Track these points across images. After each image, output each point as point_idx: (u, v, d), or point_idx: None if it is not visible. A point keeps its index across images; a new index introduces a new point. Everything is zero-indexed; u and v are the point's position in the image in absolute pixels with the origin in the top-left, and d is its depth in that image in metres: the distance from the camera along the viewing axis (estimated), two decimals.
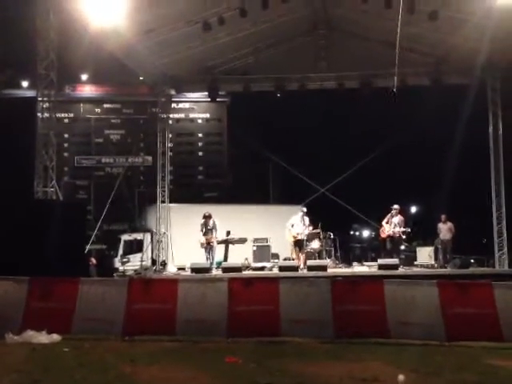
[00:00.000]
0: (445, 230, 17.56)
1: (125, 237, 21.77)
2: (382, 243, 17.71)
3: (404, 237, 17.31)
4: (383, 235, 17.39)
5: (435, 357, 7.95)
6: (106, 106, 31.88)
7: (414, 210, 31.05)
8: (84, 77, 31.79)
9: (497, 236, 17.55)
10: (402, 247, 18.07)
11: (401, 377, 6.48)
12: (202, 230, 16.61)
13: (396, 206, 17.22)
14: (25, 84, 31.29)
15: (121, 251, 20.91)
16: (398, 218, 17.05)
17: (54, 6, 13.81)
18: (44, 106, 14.52)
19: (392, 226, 17.04)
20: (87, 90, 32.10)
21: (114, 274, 16.45)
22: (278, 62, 18.11)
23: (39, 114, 14.61)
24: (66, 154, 30.18)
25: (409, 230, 17.08)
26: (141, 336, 9.26)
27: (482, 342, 8.74)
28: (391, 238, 17.08)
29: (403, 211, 17.62)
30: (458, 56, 16.99)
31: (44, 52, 14.22)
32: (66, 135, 30.86)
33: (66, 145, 30.67)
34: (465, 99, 18.14)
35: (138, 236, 21.00)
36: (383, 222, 17.39)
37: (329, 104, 24.59)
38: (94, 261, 17.98)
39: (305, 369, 7.14)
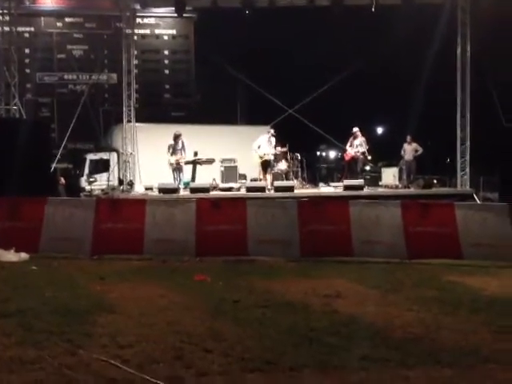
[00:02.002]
0: (409, 150, 17.79)
1: (90, 156, 21.49)
2: (346, 165, 17.90)
3: (369, 157, 17.47)
4: (347, 157, 17.60)
5: (396, 274, 8.24)
6: (67, 19, 30.53)
7: (380, 131, 31.27)
8: None
9: (460, 156, 17.87)
10: (367, 168, 18.31)
11: None
12: (169, 151, 16.48)
13: (356, 129, 17.26)
14: None
15: (87, 170, 20.68)
16: (359, 140, 17.14)
17: None
18: (3, 19, 13.94)
19: (354, 147, 17.17)
20: (48, 3, 30.65)
21: (81, 194, 16.39)
22: None
23: None
24: (27, 71, 29.11)
25: (367, 147, 17.06)
26: (109, 255, 9.35)
27: (442, 260, 9.10)
28: (354, 159, 17.25)
29: (365, 132, 17.65)
30: None
31: None
32: (27, 50, 29.67)
33: (27, 61, 29.51)
34: (435, 20, 17.94)
35: (104, 155, 20.75)
36: (347, 146, 17.52)
37: (298, 22, 24.01)
38: (62, 180, 17.81)
39: (271, 286, 7.34)
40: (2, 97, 14.12)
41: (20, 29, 24.11)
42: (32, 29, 30.14)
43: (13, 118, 13.72)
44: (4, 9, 14.04)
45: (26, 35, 29.75)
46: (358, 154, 17.04)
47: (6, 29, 14.13)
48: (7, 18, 14.06)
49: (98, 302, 6.28)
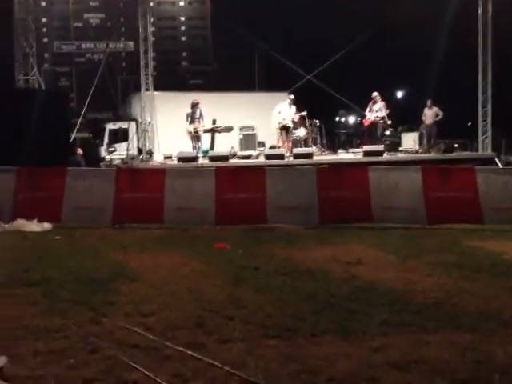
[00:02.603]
0: (430, 114, 17.52)
1: (109, 125, 21.54)
2: (366, 131, 17.70)
3: (389, 122, 17.26)
4: (366, 123, 17.38)
5: (416, 239, 8.23)
6: None
7: (399, 95, 30.84)
8: None
9: (481, 120, 17.58)
10: (387, 133, 18.11)
11: None
12: (188, 119, 16.43)
13: (375, 93, 16.98)
14: None
15: (106, 140, 20.76)
16: (379, 105, 16.89)
17: None
18: None
19: (374, 112, 16.95)
20: None
21: (101, 164, 16.49)
22: None
23: None
24: (45, 40, 29.21)
25: (387, 111, 16.84)
26: (130, 224, 9.45)
27: (462, 225, 9.04)
28: (374, 124, 17.04)
29: (384, 97, 17.40)
30: None
31: None
32: (44, 19, 29.69)
33: (44, 30, 29.58)
34: None
35: (123, 125, 20.77)
36: (366, 111, 17.29)
37: None
38: (80, 151, 17.91)
39: (291, 253, 7.37)
40: (21, 67, 14.10)
41: None
42: None
43: (31, 89, 13.76)
44: None
45: (43, 4, 29.75)
46: (378, 119, 16.82)
47: None
48: None
49: (121, 271, 6.36)
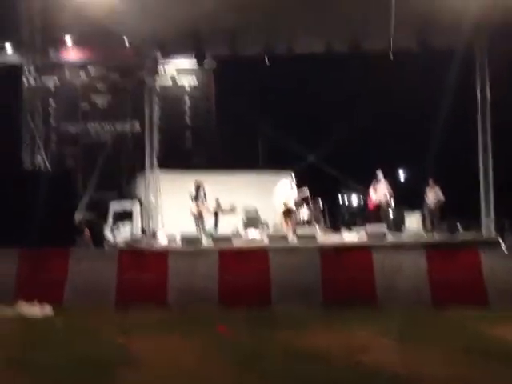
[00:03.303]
0: (432, 194, 17.65)
1: (114, 206, 21.66)
2: (369, 210, 17.80)
3: (392, 202, 17.39)
4: (370, 202, 17.49)
5: (421, 323, 8.10)
6: (91, 71, 31.33)
7: (401, 174, 31.14)
8: (69, 41, 31.13)
9: (484, 199, 17.67)
10: (390, 213, 18.17)
11: None
12: (192, 199, 16.59)
13: (380, 173, 17.23)
14: (8, 47, 30.69)
15: (110, 220, 20.84)
16: (383, 184, 17.10)
17: None
18: (29, 69, 14.26)
19: (378, 192, 17.11)
20: (72, 55, 31.49)
21: (105, 245, 16.47)
22: (266, 25, 17.80)
23: (24, 80, 14.37)
24: (52, 121, 29.77)
25: (392, 193, 17.03)
26: (133, 306, 9.35)
27: (468, 308, 8.90)
28: (378, 204, 17.17)
29: (390, 176, 17.63)
30: (446, 18, 16.75)
31: (28, 15, 13.93)
32: (52, 101, 30.40)
33: (51, 111, 30.23)
34: (452, 62, 18.03)
35: (128, 205, 20.89)
36: (370, 191, 17.45)
37: (317, 69, 24.38)
38: (87, 232, 17.93)
39: (294, 337, 7.26)
40: (28, 148, 14.35)
41: (45, 79, 24.75)
42: (56, 80, 30.89)
43: (37, 170, 13.96)
44: (29, 60, 14.34)
45: (51, 86, 30.47)
46: (382, 198, 16.98)
47: (31, 80, 14.39)
48: (32, 69, 14.34)
49: (122, 355, 6.28)
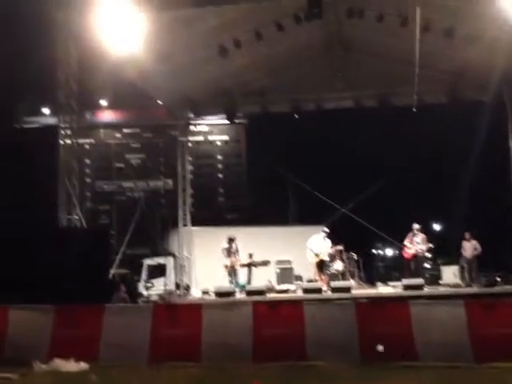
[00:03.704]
0: (469, 247, 17.35)
1: (148, 261, 21.82)
2: (406, 263, 17.55)
3: (429, 255, 17.20)
4: (406, 255, 17.26)
5: (463, 380, 7.83)
6: (125, 130, 32.26)
7: (436, 227, 30.78)
8: (103, 103, 32.13)
9: None
10: (427, 266, 17.89)
11: None
12: (225, 253, 16.63)
13: (416, 225, 17.13)
14: (46, 111, 31.76)
15: (144, 276, 20.94)
16: (419, 237, 16.94)
17: (74, 36, 14.02)
18: (65, 132, 14.66)
19: (414, 244, 16.94)
20: (107, 116, 32.47)
21: (139, 300, 16.48)
22: (295, 83, 18.17)
23: (61, 141, 14.76)
24: (87, 180, 30.51)
25: (431, 245, 16.93)
26: (167, 362, 9.26)
27: (510, 363, 8.59)
28: (415, 257, 16.97)
29: (425, 229, 17.47)
30: (475, 72, 16.91)
31: (64, 80, 14.41)
32: (87, 161, 31.23)
33: (87, 170, 31.03)
34: (483, 114, 18.05)
35: (161, 260, 21.01)
36: (405, 242, 17.27)
37: (346, 123, 24.60)
38: (123, 288, 18.01)
39: None
40: (64, 206, 14.58)
41: (81, 141, 25.49)
42: (92, 140, 31.80)
43: (73, 227, 14.14)
44: (66, 123, 14.75)
45: (87, 146, 31.36)
46: (420, 251, 16.81)
47: (68, 141, 14.75)
48: (69, 131, 14.73)
49: None
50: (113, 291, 14.19)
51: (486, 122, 18.25)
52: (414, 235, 17.02)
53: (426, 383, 7.57)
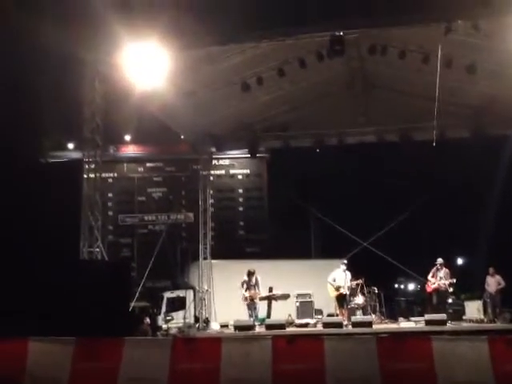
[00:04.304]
0: (493, 282, 17.15)
1: (167, 294, 21.84)
2: (428, 297, 17.37)
3: (451, 289, 17.01)
4: (429, 289, 17.12)
5: None
6: (148, 164, 32.59)
7: (459, 262, 30.39)
8: (127, 137, 32.63)
9: None
10: (450, 301, 17.68)
11: None
12: (243, 286, 16.59)
13: (440, 260, 17.07)
14: (71, 146, 32.31)
15: (164, 309, 20.93)
16: (443, 271, 16.85)
17: (101, 73, 14.36)
18: (89, 166, 14.89)
19: (438, 279, 16.80)
20: (130, 150, 32.93)
21: (158, 333, 16.47)
22: (317, 118, 18.34)
23: (85, 175, 14.98)
24: (110, 213, 30.77)
25: (454, 280, 16.76)
26: None
27: None
28: (437, 291, 16.80)
29: (448, 264, 17.33)
30: (498, 107, 16.94)
31: (90, 116, 14.70)
32: (110, 194, 31.56)
33: (109, 204, 31.32)
34: (506, 149, 17.98)
35: (181, 293, 21.04)
36: (429, 277, 17.13)
37: (368, 157, 24.63)
38: (148, 320, 18.03)
39: None
40: (86, 239, 14.72)
41: (104, 175, 25.84)
42: (115, 174, 32.19)
43: (95, 260, 14.26)
44: (90, 157, 14.98)
45: (110, 180, 31.75)
46: (443, 286, 16.66)
47: (91, 175, 14.95)
48: (93, 165, 14.94)
49: None
50: (134, 324, 14.22)
51: (509, 156, 18.15)
52: (438, 270, 16.93)
53: None
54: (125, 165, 32.87)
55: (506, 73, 14.60)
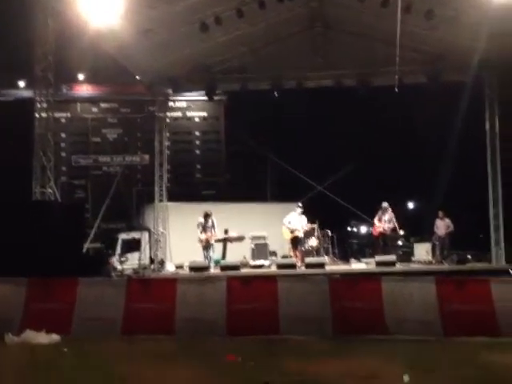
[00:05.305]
0: (442, 225, 17.64)
1: (123, 235, 21.73)
2: (375, 240, 17.83)
3: (401, 232, 17.47)
4: (375, 232, 17.58)
5: (432, 353, 8.00)
6: (103, 105, 31.70)
7: (411, 205, 31.11)
8: (81, 76, 31.63)
9: (493, 231, 17.59)
10: (400, 243, 18.17)
11: (406, 377, 6.50)
12: (200, 229, 16.64)
13: (385, 204, 17.35)
14: (22, 84, 31.18)
15: (119, 250, 20.87)
16: (388, 215, 17.16)
17: (52, 10, 13.77)
18: (41, 106, 14.46)
19: (383, 222, 17.17)
20: (84, 90, 31.95)
21: (113, 274, 16.47)
22: (276, 61, 18.11)
23: (36, 115, 14.56)
24: (63, 154, 30.05)
25: (396, 225, 17.08)
26: (140, 335, 9.29)
27: (479, 337, 8.77)
28: (383, 234, 17.22)
29: (399, 208, 17.66)
30: (456, 54, 17.01)
31: (42, 54, 14.16)
32: (63, 135, 30.71)
33: (62, 144, 30.52)
34: (462, 96, 18.18)
35: (136, 235, 20.97)
36: (375, 220, 17.53)
37: (326, 102, 24.60)
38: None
39: (304, 367, 7.17)
40: (38, 180, 14.43)
41: (57, 114, 25.10)
42: (68, 114, 31.30)
43: (47, 201, 14.02)
44: (42, 96, 14.54)
45: (63, 120, 30.86)
46: (388, 229, 17.02)
47: (43, 115, 14.55)
48: (45, 104, 14.52)
49: None
50: (93, 265, 14.17)
51: (465, 104, 18.39)
52: (383, 213, 17.24)
53: (397, 356, 7.69)
54: (78, 105, 31.89)
55: (462, 19, 14.63)
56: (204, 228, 16.59)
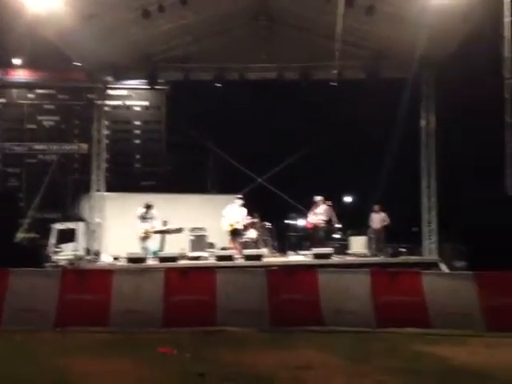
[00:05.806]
0: (377, 219, 18.02)
1: (57, 226, 21.21)
2: (311, 233, 18.09)
3: (337, 225, 17.79)
4: (309, 225, 17.89)
5: (365, 343, 8.20)
6: (39, 91, 30.76)
7: (348, 199, 31.63)
8: (17, 61, 30.62)
9: (426, 225, 18.12)
10: (337, 236, 18.49)
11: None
12: (139, 219, 16.47)
13: (318, 197, 17.67)
14: None
15: (53, 240, 20.36)
16: (321, 208, 17.46)
17: None
18: None
19: (316, 215, 17.48)
20: (20, 75, 30.93)
21: (47, 264, 16.06)
22: (219, 52, 18.00)
23: None
24: None
25: (328, 218, 17.39)
26: (74, 327, 9.10)
27: (410, 329, 9.03)
28: (317, 227, 17.50)
29: (330, 201, 17.91)
30: (395, 51, 17.34)
31: None
32: None
33: None
34: (400, 93, 18.56)
35: (71, 225, 20.51)
36: (309, 215, 17.83)
37: (268, 95, 24.68)
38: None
39: (240, 358, 7.21)
40: None
41: None
42: (3, 100, 30.28)
43: None
44: None
45: None
46: (321, 221, 17.33)
47: None
48: None
49: (62, 378, 6.09)
50: (21, 255, 13.75)
51: (403, 101, 18.78)
52: (317, 207, 17.54)
53: (331, 347, 7.83)
54: (14, 90, 30.84)
55: (403, 16, 14.91)
56: (143, 219, 16.42)
